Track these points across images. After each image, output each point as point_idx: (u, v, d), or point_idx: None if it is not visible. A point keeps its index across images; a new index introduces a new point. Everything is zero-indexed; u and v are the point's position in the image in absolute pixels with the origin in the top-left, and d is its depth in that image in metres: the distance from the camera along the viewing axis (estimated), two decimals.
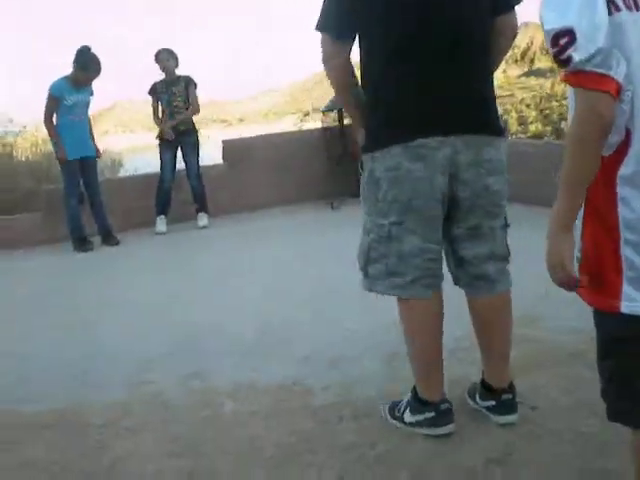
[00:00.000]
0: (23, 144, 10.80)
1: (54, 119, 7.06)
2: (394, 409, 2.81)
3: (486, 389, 2.77)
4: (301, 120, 48.92)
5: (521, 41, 40.85)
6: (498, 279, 2.65)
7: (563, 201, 1.61)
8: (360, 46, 2.58)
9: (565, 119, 28.19)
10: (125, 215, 7.69)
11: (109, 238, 7.30)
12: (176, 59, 7.71)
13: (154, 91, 7.70)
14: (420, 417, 2.69)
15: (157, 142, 7.76)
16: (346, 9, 2.48)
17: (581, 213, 1.66)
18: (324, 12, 2.54)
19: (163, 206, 7.64)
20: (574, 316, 3.26)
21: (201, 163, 7.87)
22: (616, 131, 1.55)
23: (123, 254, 6.91)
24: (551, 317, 3.73)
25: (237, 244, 6.68)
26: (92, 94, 7.37)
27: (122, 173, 10.70)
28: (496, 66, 2.70)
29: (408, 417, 2.73)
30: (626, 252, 1.60)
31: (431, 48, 2.42)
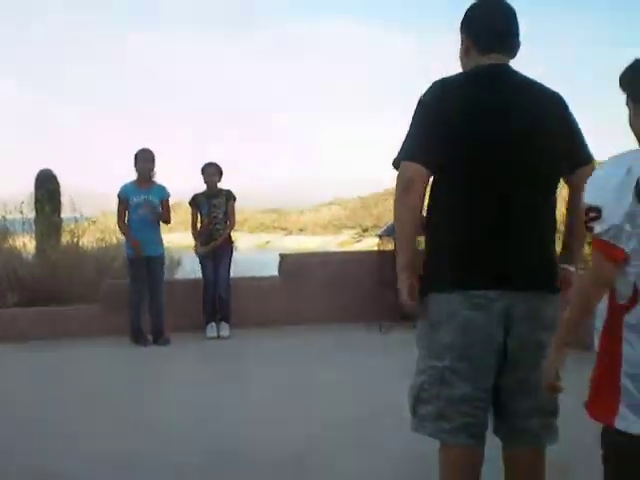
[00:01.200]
0: (89, 235, 11.20)
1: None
2: None
3: None
4: (359, 235, 49.46)
5: None
6: (541, 434, 2.63)
7: (563, 329, 2.14)
8: (436, 180, 2.61)
9: None
10: (176, 316, 7.86)
11: (161, 338, 7.49)
12: (221, 174, 8.10)
13: (195, 202, 8.05)
14: None
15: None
16: (429, 142, 2.53)
17: (599, 329, 2.07)
18: (408, 142, 2.59)
19: (210, 313, 7.85)
20: None
21: (257, 272, 8.11)
22: (626, 287, 1.98)
23: (174, 355, 7.06)
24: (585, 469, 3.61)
25: (282, 359, 6.75)
26: (162, 195, 7.75)
27: (180, 272, 10.96)
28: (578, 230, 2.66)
29: None
30: (625, 382, 1.98)
31: (506, 199, 2.50)
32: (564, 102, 2.69)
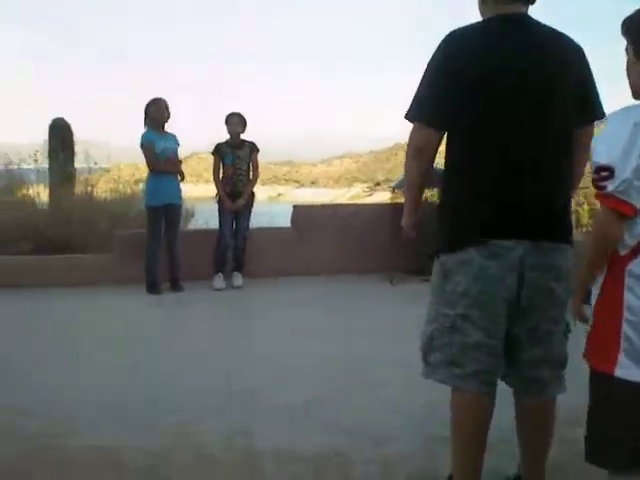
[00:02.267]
0: (103, 185, 11.24)
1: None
2: None
3: None
4: (371, 189, 49.36)
5: None
6: (550, 384, 2.67)
7: (579, 283, 2.23)
8: (451, 135, 2.64)
9: None
10: (190, 266, 7.94)
11: (176, 286, 7.63)
12: (245, 125, 8.06)
13: (218, 152, 8.01)
14: None
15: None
16: (443, 96, 2.54)
17: (595, 291, 2.14)
18: (420, 100, 2.60)
19: (220, 264, 7.88)
20: None
21: (268, 223, 8.14)
22: (632, 239, 2.04)
23: (186, 303, 7.16)
24: None
25: (292, 307, 6.85)
26: (178, 144, 7.83)
27: (193, 223, 11.01)
28: (578, 180, 2.82)
29: None
30: (626, 330, 2.04)
31: (520, 151, 2.52)
32: (585, 56, 2.65)
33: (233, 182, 7.89)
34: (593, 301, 2.17)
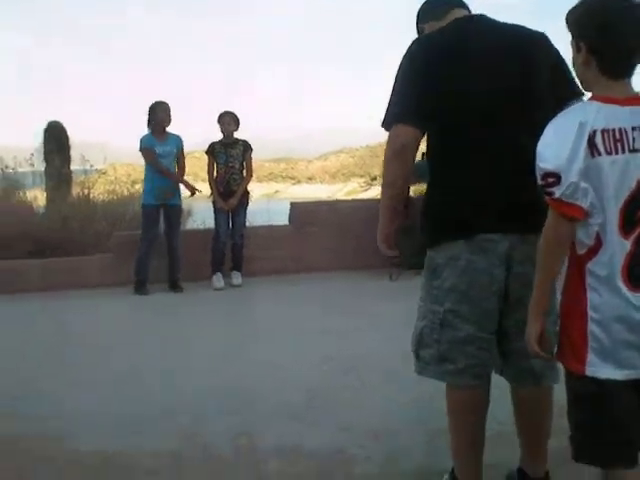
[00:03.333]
0: (99, 187, 11.24)
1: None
2: None
3: (522, 477, 2.83)
4: (367, 184, 49.35)
5: None
6: (544, 374, 2.67)
7: (536, 294, 2.14)
8: (432, 134, 2.65)
9: None
10: (190, 265, 7.95)
11: (176, 286, 7.66)
12: (237, 123, 8.05)
13: (212, 151, 8.00)
14: None
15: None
16: (422, 97, 2.54)
17: (558, 296, 2.15)
18: (399, 101, 2.59)
19: (218, 263, 7.89)
20: None
21: (266, 221, 8.14)
22: (589, 238, 2.01)
23: (186, 304, 7.17)
24: None
25: (292, 306, 6.86)
26: (178, 146, 7.85)
27: (190, 223, 11.02)
28: None
29: None
30: (592, 328, 2.02)
31: (501, 145, 2.54)
32: (550, 41, 2.66)
33: (226, 181, 7.88)
34: (557, 302, 2.16)
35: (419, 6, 2.89)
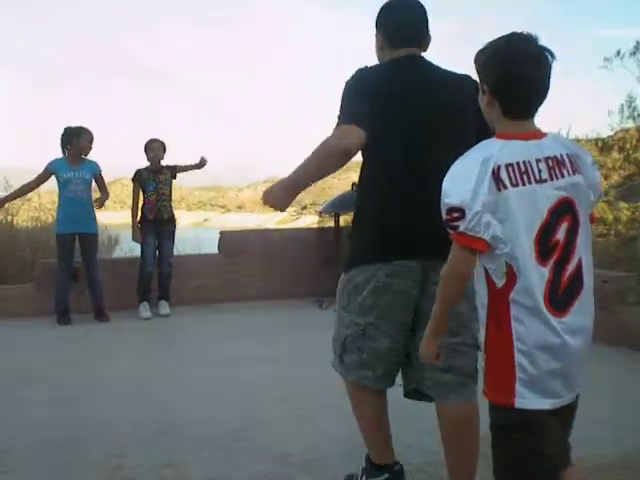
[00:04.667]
0: (24, 214, 10.96)
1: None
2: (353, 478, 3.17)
3: None
4: (298, 213, 49.53)
5: None
6: (455, 389, 2.81)
7: (436, 318, 2.25)
8: (363, 158, 2.87)
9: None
10: (116, 294, 7.81)
11: (101, 315, 7.47)
12: (165, 150, 7.98)
13: (139, 179, 7.86)
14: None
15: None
16: (364, 113, 2.70)
17: (483, 319, 2.14)
18: (350, 107, 2.75)
19: (144, 293, 7.77)
20: None
21: (196, 249, 8.07)
22: (500, 269, 2.05)
23: (112, 333, 7.01)
24: None
25: (223, 335, 6.79)
26: (95, 172, 7.63)
27: (118, 251, 10.84)
28: None
29: None
30: (519, 360, 2.04)
31: (414, 188, 2.75)
32: (474, 82, 2.69)
33: (157, 208, 7.77)
34: (481, 338, 2.17)
35: (380, 9, 3.03)
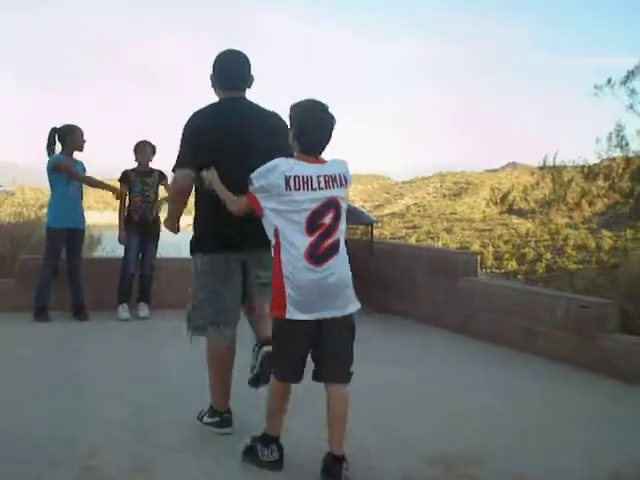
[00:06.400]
0: (6, 209, 10.91)
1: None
2: (200, 413, 4.15)
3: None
4: None
5: (505, 184, 37.60)
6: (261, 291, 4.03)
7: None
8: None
9: (541, 260, 28.47)
10: (97, 294, 7.77)
11: (80, 313, 7.42)
12: (154, 153, 7.98)
13: (126, 179, 7.83)
14: (212, 420, 4.08)
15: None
16: (195, 150, 3.88)
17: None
18: (185, 153, 3.92)
19: (125, 294, 7.73)
20: (521, 459, 3.37)
21: (178, 253, 8.00)
22: (273, 231, 3.38)
23: (89, 332, 6.97)
24: (499, 457, 3.69)
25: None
26: (84, 170, 7.67)
27: (99, 251, 10.78)
28: None
29: (206, 419, 4.12)
30: (288, 291, 3.31)
31: (238, 191, 3.63)
32: (282, 119, 3.92)
33: (142, 210, 7.75)
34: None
35: (214, 59, 4.05)
